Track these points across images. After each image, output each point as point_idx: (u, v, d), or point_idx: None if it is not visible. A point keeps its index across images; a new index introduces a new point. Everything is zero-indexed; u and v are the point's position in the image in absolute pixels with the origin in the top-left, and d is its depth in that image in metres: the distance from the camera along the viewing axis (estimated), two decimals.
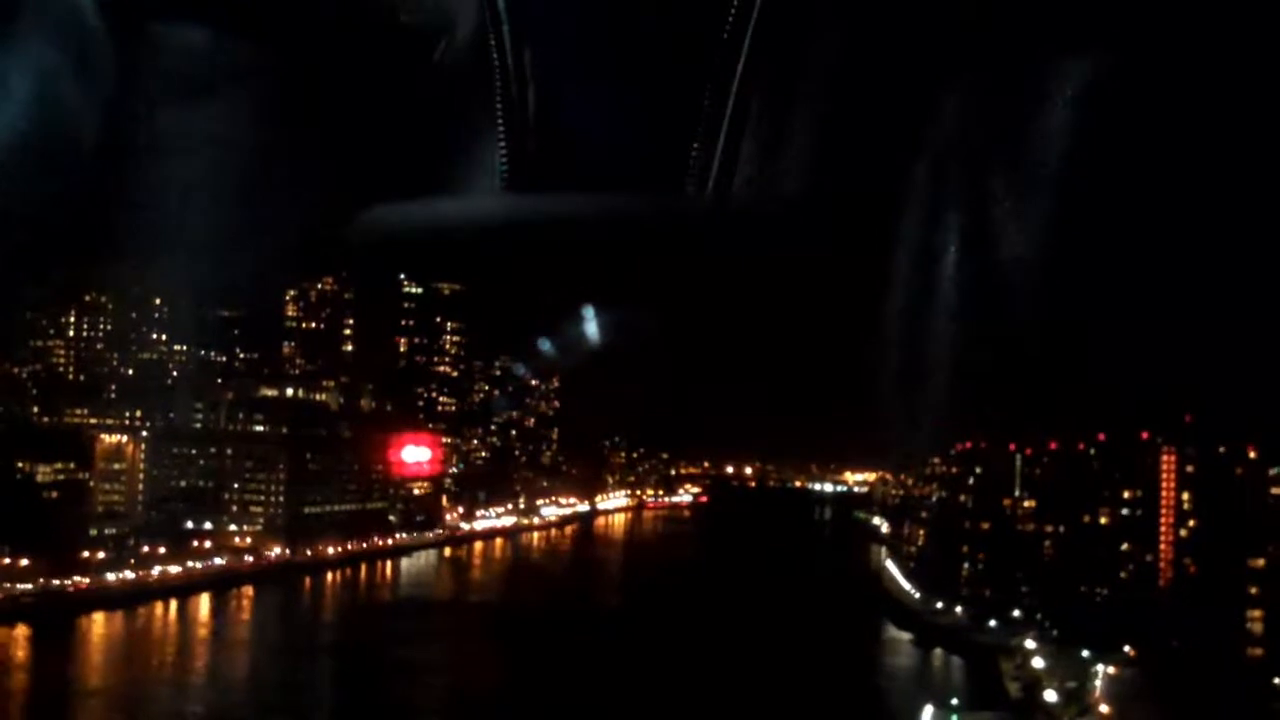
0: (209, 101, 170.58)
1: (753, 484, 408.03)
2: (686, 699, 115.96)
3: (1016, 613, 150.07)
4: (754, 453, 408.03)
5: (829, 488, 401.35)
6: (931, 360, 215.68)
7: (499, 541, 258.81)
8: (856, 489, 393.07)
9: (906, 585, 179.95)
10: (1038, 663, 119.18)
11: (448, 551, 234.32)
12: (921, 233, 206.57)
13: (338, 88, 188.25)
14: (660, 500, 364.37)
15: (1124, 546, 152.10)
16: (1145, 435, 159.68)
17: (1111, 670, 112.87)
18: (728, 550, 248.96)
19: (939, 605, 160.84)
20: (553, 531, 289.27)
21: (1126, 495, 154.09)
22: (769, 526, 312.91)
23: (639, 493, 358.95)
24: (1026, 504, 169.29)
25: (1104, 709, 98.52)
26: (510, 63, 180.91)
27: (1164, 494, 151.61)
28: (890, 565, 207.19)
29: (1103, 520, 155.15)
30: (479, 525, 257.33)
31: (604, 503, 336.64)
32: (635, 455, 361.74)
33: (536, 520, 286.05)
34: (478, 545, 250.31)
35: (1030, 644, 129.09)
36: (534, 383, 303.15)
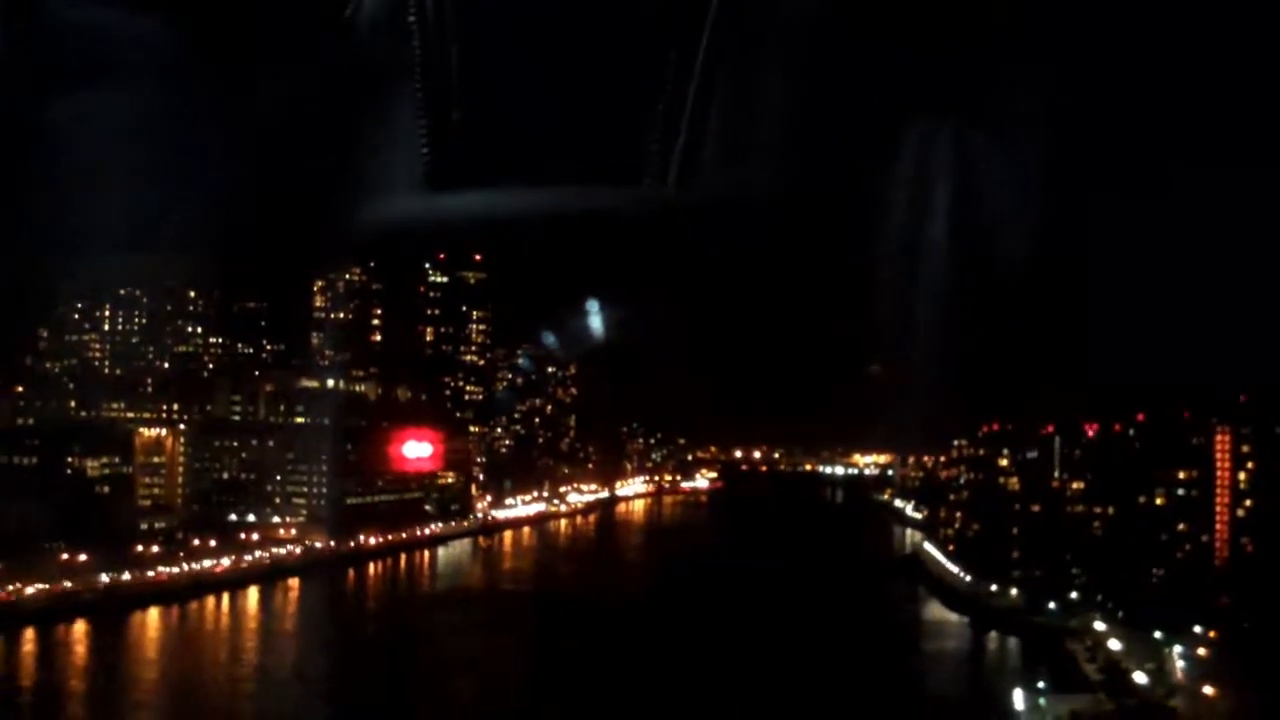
0: (113, 79, 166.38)
1: (763, 468, 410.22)
2: (767, 692, 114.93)
3: (1074, 594, 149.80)
4: (765, 438, 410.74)
5: (839, 471, 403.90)
6: (945, 344, 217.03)
7: (526, 530, 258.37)
8: (867, 471, 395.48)
9: (953, 567, 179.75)
10: (1114, 644, 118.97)
11: (481, 541, 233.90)
12: (929, 213, 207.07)
13: (244, 58, 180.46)
14: (678, 486, 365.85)
15: (1180, 526, 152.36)
16: (1187, 415, 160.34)
17: (1201, 651, 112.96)
18: (756, 536, 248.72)
19: (993, 588, 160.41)
20: (578, 519, 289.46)
21: (1182, 476, 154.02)
22: (790, 510, 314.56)
23: (658, 479, 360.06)
24: (1075, 485, 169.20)
25: (1208, 690, 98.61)
26: (431, 19, 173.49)
27: (1219, 473, 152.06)
28: (929, 547, 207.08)
29: (1158, 501, 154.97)
30: (508, 513, 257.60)
31: (623, 489, 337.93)
32: (652, 442, 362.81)
33: (563, 508, 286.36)
34: (508, 534, 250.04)
35: (1100, 625, 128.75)
36: (551, 370, 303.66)
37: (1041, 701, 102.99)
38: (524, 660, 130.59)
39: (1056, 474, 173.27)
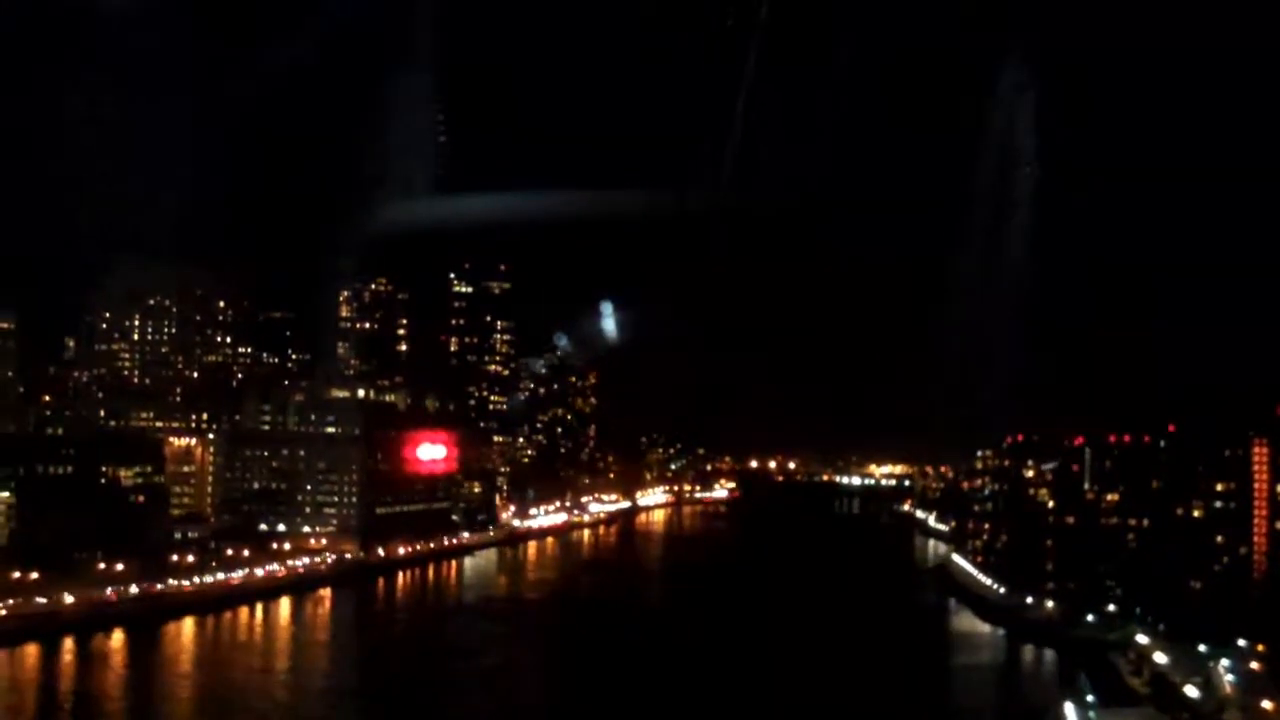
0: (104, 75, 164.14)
1: (778, 478, 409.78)
2: (809, 703, 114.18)
3: (1111, 607, 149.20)
4: (780, 447, 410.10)
5: (855, 481, 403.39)
6: (966, 356, 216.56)
7: (550, 540, 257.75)
8: (883, 482, 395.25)
9: (984, 579, 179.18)
10: (1160, 658, 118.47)
11: (507, 552, 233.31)
12: (954, 230, 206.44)
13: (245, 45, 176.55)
14: (698, 496, 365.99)
15: (1218, 539, 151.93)
16: (1222, 426, 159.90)
17: (1255, 666, 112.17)
18: (781, 546, 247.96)
19: (1028, 600, 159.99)
20: (601, 529, 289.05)
21: (1220, 488, 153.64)
22: (811, 519, 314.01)
23: (677, 489, 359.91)
24: (1109, 497, 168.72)
25: (1266, 704, 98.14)
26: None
27: (1256, 485, 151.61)
28: (958, 559, 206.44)
29: (1196, 513, 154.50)
30: (532, 523, 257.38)
31: (644, 499, 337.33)
32: (672, 451, 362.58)
33: (586, 518, 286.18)
34: (533, 544, 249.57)
35: (1142, 638, 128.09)
36: (572, 380, 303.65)
37: (1092, 715, 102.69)
38: (560, 672, 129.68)
39: (1086, 485, 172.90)
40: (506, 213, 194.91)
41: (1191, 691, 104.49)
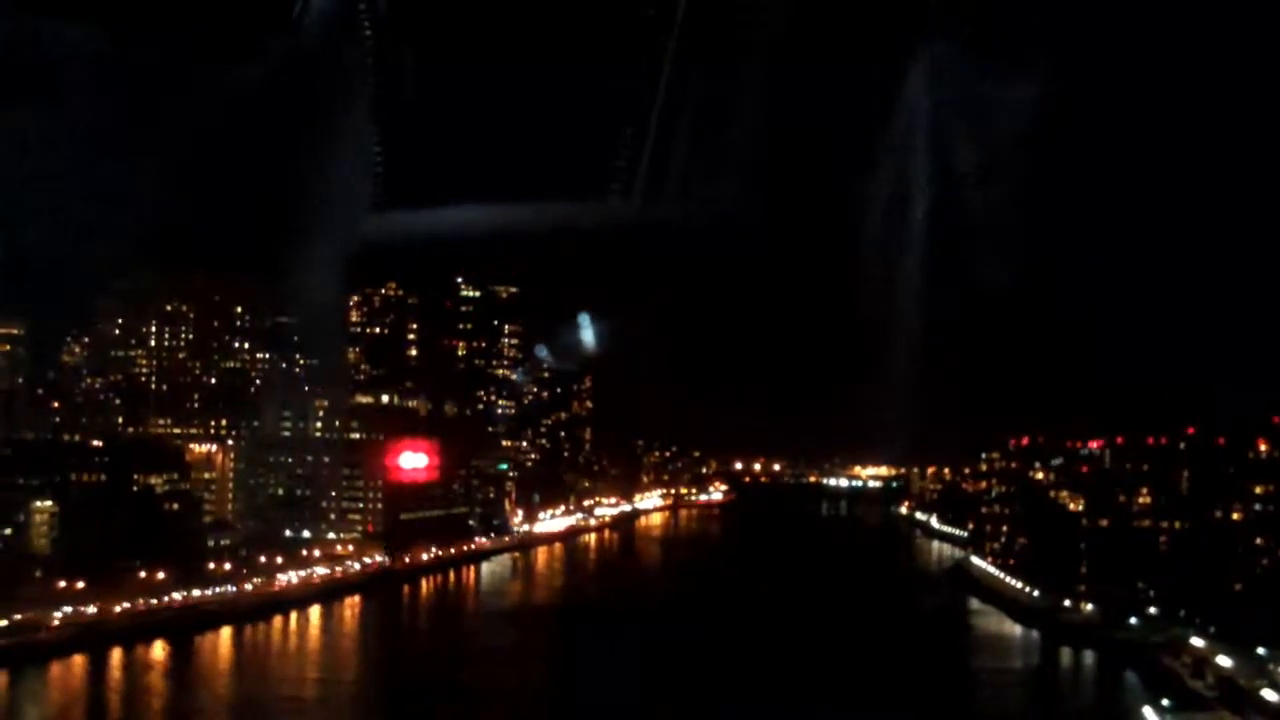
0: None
1: (764, 479, 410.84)
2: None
3: (1152, 609, 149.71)
4: (766, 450, 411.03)
5: (843, 483, 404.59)
6: (952, 357, 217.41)
7: (558, 546, 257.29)
8: (870, 483, 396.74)
9: (1013, 582, 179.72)
10: (1224, 661, 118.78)
11: (521, 557, 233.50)
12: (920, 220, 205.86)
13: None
14: (694, 498, 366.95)
15: (1258, 541, 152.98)
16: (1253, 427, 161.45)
17: None
18: (789, 550, 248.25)
19: (1065, 602, 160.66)
20: (605, 533, 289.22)
21: (1259, 490, 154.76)
22: (810, 522, 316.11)
23: (674, 491, 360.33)
24: (1141, 500, 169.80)
25: None
26: (385, 25, 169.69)
27: None
28: (976, 561, 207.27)
29: (1235, 515, 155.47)
30: (543, 528, 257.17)
31: (642, 502, 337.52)
32: (667, 454, 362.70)
33: (591, 522, 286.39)
34: (544, 549, 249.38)
35: (1198, 641, 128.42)
36: (572, 385, 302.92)
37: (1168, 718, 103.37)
38: (592, 680, 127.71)
39: (1118, 488, 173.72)
40: (444, 225, 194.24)
41: (1270, 695, 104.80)
